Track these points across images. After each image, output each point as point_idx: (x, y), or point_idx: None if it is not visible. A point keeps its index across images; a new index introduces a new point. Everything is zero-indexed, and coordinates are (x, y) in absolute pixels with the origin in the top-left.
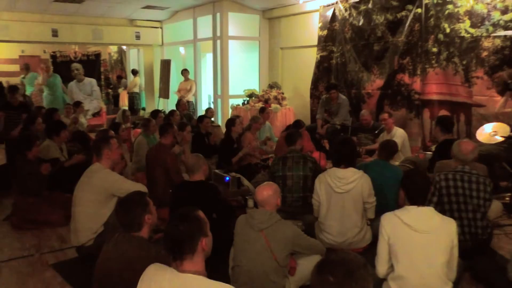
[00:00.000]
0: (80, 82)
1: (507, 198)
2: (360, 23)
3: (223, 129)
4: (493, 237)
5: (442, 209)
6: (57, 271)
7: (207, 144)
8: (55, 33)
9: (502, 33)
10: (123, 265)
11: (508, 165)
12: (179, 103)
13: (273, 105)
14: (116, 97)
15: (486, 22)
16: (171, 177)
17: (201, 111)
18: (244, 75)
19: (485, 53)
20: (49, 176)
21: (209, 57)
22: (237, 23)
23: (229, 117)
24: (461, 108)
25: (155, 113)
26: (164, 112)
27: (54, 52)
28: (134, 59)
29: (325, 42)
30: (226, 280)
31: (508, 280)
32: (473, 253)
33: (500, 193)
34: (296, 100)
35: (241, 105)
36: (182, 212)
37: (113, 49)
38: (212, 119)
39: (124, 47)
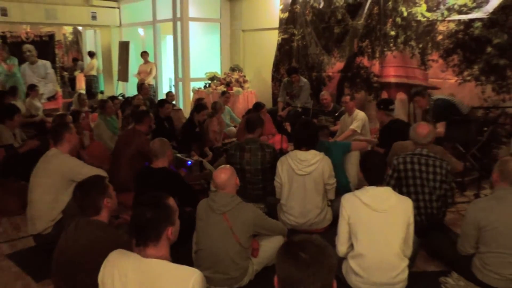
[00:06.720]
0: (33, 64)
1: (460, 178)
2: (321, 6)
3: (185, 113)
4: (446, 214)
5: (400, 192)
6: (12, 261)
7: (167, 128)
8: (4, 11)
9: (456, 17)
10: (83, 249)
11: (462, 146)
12: (141, 87)
13: (235, 88)
14: (72, 80)
15: (442, 6)
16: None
17: (162, 94)
18: (206, 58)
19: (440, 37)
20: (3, 163)
21: (169, 39)
22: (198, 4)
23: (191, 100)
24: None
25: (112, 99)
26: (123, 96)
27: (3, 32)
28: (90, 41)
29: (286, 24)
30: (189, 264)
31: (459, 254)
32: (428, 230)
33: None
34: (257, 83)
35: (202, 88)
36: (152, 197)
37: (68, 29)
38: (174, 102)
39: (79, 28)
